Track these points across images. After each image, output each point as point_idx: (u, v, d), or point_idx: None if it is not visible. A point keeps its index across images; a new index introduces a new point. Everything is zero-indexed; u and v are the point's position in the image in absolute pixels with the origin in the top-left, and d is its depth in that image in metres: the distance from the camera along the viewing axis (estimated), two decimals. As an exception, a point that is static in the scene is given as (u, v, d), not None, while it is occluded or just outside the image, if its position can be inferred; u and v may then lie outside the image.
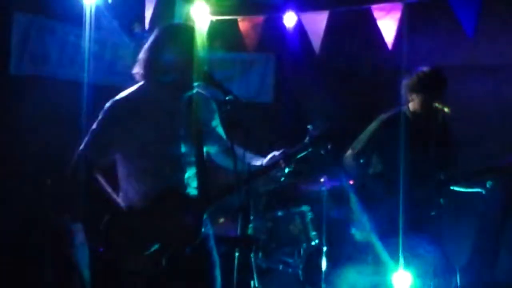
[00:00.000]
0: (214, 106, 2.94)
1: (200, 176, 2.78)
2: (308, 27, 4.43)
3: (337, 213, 4.86)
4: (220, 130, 2.97)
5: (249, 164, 2.82)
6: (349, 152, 3.97)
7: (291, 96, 5.70)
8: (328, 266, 4.61)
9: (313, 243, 4.67)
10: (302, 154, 2.86)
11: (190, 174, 2.79)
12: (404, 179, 3.73)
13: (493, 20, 4.74)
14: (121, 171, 2.78)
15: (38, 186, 4.37)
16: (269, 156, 2.87)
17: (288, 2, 4.71)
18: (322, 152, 2.87)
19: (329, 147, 2.86)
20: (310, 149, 2.86)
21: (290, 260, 4.61)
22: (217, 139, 2.95)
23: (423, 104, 3.84)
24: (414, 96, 3.87)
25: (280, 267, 4.55)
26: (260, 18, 4.70)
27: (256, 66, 5.64)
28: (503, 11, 4.85)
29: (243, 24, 4.72)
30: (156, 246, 2.63)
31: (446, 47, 5.22)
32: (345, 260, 4.70)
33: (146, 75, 2.76)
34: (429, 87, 3.81)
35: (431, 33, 5.13)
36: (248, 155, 2.83)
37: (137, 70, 2.80)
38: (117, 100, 2.73)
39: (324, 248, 4.60)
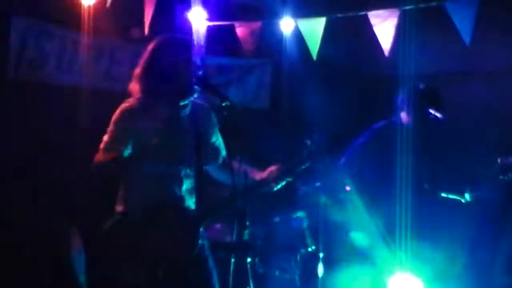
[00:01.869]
0: (214, 119, 2.95)
1: (198, 189, 2.79)
2: (305, 33, 4.44)
3: (334, 218, 4.87)
4: (220, 144, 2.97)
5: (245, 178, 2.82)
6: (343, 160, 4.03)
7: (288, 102, 5.70)
8: (324, 272, 4.61)
9: (309, 249, 4.67)
10: (300, 169, 2.87)
11: (188, 186, 2.80)
12: (393, 188, 3.84)
13: (490, 27, 4.75)
14: (123, 180, 2.80)
15: (35, 189, 4.36)
16: (267, 171, 2.88)
17: (286, 7, 4.73)
18: (321, 166, 2.90)
19: (327, 161, 2.90)
20: (308, 164, 2.88)
21: (287, 266, 4.61)
22: (215, 153, 2.96)
23: (415, 119, 3.96)
24: (406, 110, 3.98)
25: (277, 272, 4.54)
26: (257, 24, 4.71)
27: (253, 72, 5.65)
28: (500, 17, 4.87)
29: (241, 30, 4.72)
30: (152, 258, 2.63)
31: (443, 53, 5.23)
32: (342, 266, 4.71)
33: (143, 88, 2.80)
34: (422, 105, 3.93)
35: (428, 40, 5.14)
36: (245, 168, 2.85)
37: (132, 85, 2.83)
38: (122, 107, 2.80)
39: (321, 254, 4.60)
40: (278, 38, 4.88)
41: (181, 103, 2.82)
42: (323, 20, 4.31)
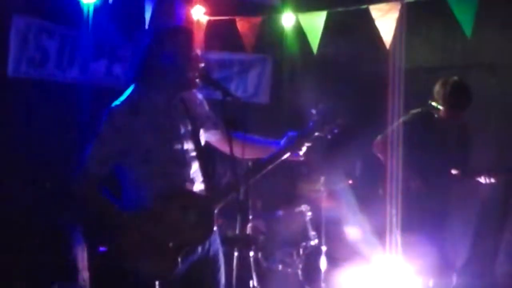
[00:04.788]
0: (201, 97, 2.94)
1: (204, 169, 2.78)
2: (306, 27, 4.43)
3: (335, 212, 4.88)
4: (213, 118, 2.96)
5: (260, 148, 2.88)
6: (379, 137, 4.23)
7: (288, 96, 5.70)
8: (327, 265, 4.62)
9: (312, 243, 4.68)
10: (311, 137, 2.86)
11: (194, 168, 2.78)
12: (423, 172, 4.05)
13: (492, 18, 4.75)
14: (127, 179, 2.74)
15: (37, 187, 4.37)
16: (283, 140, 2.88)
17: (286, 2, 4.72)
18: (329, 136, 2.87)
19: (335, 131, 2.88)
20: (316, 133, 2.87)
21: (290, 260, 4.61)
22: (213, 126, 2.95)
23: (448, 113, 4.09)
24: (441, 103, 4.10)
25: (280, 267, 4.55)
26: (258, 19, 4.71)
27: (254, 67, 5.64)
28: (501, 9, 4.86)
29: (241, 25, 4.72)
30: (171, 247, 2.62)
31: (444, 46, 5.23)
32: (344, 260, 4.72)
33: (142, 78, 2.75)
34: (458, 103, 4.08)
35: (429, 33, 5.15)
36: (254, 139, 2.88)
37: (131, 73, 2.79)
38: (114, 109, 2.69)
39: (324, 248, 4.61)
40: (278, 33, 4.88)
41: (182, 93, 2.81)
42: (324, 15, 4.31)
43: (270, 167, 2.83)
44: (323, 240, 4.64)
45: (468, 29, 3.72)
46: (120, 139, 2.65)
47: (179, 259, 2.62)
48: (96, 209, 2.75)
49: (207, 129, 2.93)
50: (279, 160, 2.84)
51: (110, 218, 2.68)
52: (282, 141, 2.90)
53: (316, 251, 4.64)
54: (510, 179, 4.21)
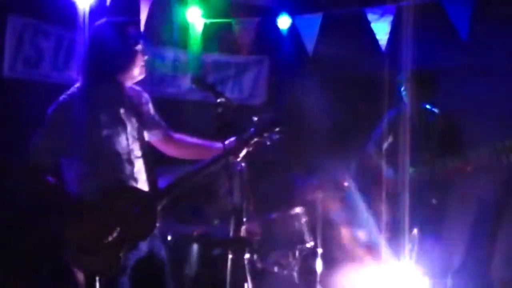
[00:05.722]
0: (147, 96, 3.04)
1: (147, 168, 2.85)
2: (301, 29, 4.44)
3: (332, 215, 4.87)
4: (157, 118, 3.07)
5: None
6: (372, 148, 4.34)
7: (284, 98, 5.70)
8: (323, 268, 4.61)
9: (308, 245, 4.67)
10: (251, 142, 2.94)
11: (138, 167, 2.84)
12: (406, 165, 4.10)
13: (487, 22, 4.75)
14: (71, 172, 2.79)
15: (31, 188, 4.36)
16: (226, 143, 2.95)
17: (282, 4, 4.73)
18: (268, 142, 2.97)
19: (274, 138, 2.97)
20: (255, 139, 2.95)
21: (285, 262, 4.61)
22: (155, 126, 3.04)
23: (411, 100, 4.21)
24: (404, 92, 4.24)
25: (275, 269, 4.54)
26: (254, 21, 4.71)
27: (250, 69, 5.64)
28: (496, 12, 4.87)
29: (237, 27, 4.73)
30: (113, 240, 2.64)
31: (440, 49, 5.23)
32: (340, 262, 4.72)
33: (88, 73, 2.83)
34: (415, 86, 4.18)
35: (424, 36, 5.14)
36: (196, 141, 3.06)
37: (78, 68, 2.93)
38: (60, 103, 2.79)
39: (319, 250, 4.60)
40: (275, 35, 4.88)
41: (125, 89, 2.90)
42: (320, 17, 4.31)
43: (209, 169, 2.90)
44: (319, 243, 4.64)
45: (463, 33, 3.74)
46: (65, 133, 2.73)
47: (121, 255, 2.64)
48: (41, 191, 2.79)
49: (150, 129, 3.00)
50: (219, 163, 2.91)
51: (55, 200, 2.74)
52: (223, 145, 2.95)
53: (312, 253, 4.63)
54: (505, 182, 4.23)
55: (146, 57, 2.90)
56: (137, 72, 2.89)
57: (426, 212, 4.11)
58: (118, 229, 2.65)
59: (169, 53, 5.27)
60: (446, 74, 4.99)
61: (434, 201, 4.14)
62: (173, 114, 5.21)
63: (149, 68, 5.17)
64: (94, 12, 4.44)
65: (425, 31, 4.75)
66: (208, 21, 4.92)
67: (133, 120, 2.87)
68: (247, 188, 3.12)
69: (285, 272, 4.57)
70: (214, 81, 5.20)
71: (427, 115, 4.23)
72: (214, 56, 5.42)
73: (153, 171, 2.87)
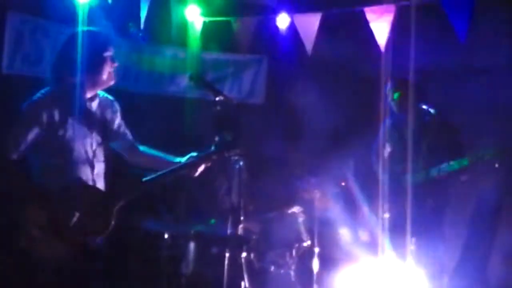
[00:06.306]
0: (117, 106, 3.17)
1: (107, 173, 3.00)
2: (300, 28, 4.44)
3: (329, 214, 4.88)
4: (123, 129, 3.20)
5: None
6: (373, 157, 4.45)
7: (283, 97, 5.70)
8: (320, 267, 4.62)
9: (305, 244, 4.68)
10: (207, 160, 3.07)
11: (98, 170, 2.99)
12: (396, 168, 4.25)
13: (486, 23, 4.76)
14: (36, 167, 2.92)
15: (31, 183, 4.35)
16: (186, 157, 3.10)
17: (281, 3, 4.73)
18: (227, 161, 3.13)
19: (233, 158, 3.13)
20: (214, 157, 3.06)
21: (282, 261, 4.61)
22: (121, 137, 3.18)
23: (399, 109, 4.35)
24: (392, 102, 4.39)
25: (272, 268, 4.54)
26: (253, 20, 4.71)
27: (249, 67, 5.64)
28: (495, 14, 4.87)
29: (236, 26, 4.73)
30: (70, 232, 2.76)
31: (439, 49, 5.24)
32: (337, 261, 4.72)
33: (56, 78, 2.96)
34: (395, 97, 4.37)
35: (423, 36, 5.14)
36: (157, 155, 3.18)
37: (49, 73, 3.02)
38: (32, 102, 2.92)
39: (316, 249, 4.61)
40: (273, 33, 4.88)
41: (89, 95, 3.00)
42: (319, 16, 4.32)
43: (164, 179, 3.03)
44: (316, 242, 4.64)
45: (462, 34, 3.75)
46: (34, 130, 2.85)
47: (78, 249, 2.77)
48: (8, 178, 2.90)
49: (112, 139, 3.13)
50: (176, 174, 3.06)
51: (20, 188, 2.85)
52: (183, 159, 3.11)
53: (309, 252, 4.63)
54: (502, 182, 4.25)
55: (115, 64, 3.00)
56: (105, 78, 2.99)
57: (424, 213, 4.12)
58: (78, 214, 2.76)
59: (168, 51, 5.28)
60: (445, 74, 5.01)
61: (431, 201, 4.15)
62: (172, 112, 5.24)
63: (148, 66, 5.22)
64: (94, 10, 4.45)
65: (424, 32, 4.77)
66: (207, 19, 4.92)
67: (100, 125, 3.02)
68: (245, 187, 3.14)
69: (282, 271, 4.57)
70: (213, 79, 5.20)
71: (423, 115, 4.23)
72: (213, 55, 5.43)
73: (112, 176, 3.01)
